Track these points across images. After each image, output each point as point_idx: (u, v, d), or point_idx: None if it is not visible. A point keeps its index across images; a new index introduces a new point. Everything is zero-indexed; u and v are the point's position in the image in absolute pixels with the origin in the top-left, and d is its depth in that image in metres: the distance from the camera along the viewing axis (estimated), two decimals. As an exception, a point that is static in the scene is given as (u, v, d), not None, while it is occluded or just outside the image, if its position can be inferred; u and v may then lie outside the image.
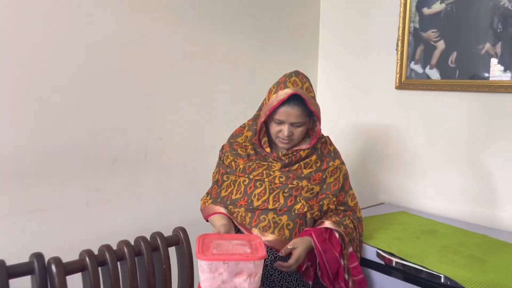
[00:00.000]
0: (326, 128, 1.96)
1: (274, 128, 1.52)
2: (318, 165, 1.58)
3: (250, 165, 1.55)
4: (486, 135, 1.96)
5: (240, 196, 1.53)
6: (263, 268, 1.50)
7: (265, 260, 1.50)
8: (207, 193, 1.66)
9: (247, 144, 1.61)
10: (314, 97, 1.53)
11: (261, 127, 1.54)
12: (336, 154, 1.64)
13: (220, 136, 2.09)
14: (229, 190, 1.57)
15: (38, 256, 1.12)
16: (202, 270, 1.19)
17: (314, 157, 1.58)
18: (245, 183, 1.54)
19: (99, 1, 1.69)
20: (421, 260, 1.54)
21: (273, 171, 1.54)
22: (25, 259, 1.16)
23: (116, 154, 1.80)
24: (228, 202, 1.55)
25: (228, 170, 1.59)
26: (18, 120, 1.54)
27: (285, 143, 1.53)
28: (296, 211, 1.49)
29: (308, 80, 1.54)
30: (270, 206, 1.49)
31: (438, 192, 2.13)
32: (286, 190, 1.51)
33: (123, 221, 1.80)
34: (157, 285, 1.30)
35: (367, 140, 2.40)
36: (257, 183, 1.53)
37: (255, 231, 1.49)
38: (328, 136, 1.69)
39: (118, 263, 1.22)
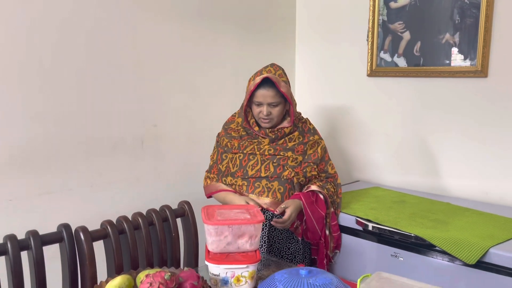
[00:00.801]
0: (303, 110, 2.19)
1: (255, 110, 1.79)
2: (300, 139, 1.85)
3: (243, 143, 1.82)
4: (447, 116, 2.21)
5: (237, 168, 1.80)
6: (262, 228, 1.74)
7: (264, 223, 1.75)
8: (207, 171, 1.91)
9: (239, 128, 1.87)
10: (285, 82, 1.78)
11: (245, 110, 1.80)
12: (315, 131, 1.92)
13: (209, 122, 2.27)
14: (228, 166, 1.83)
15: (66, 226, 1.27)
16: (209, 233, 1.36)
17: (296, 133, 1.85)
18: (240, 157, 1.81)
19: (97, -2, 1.82)
20: (395, 224, 1.77)
21: (263, 145, 1.80)
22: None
23: (115, 141, 1.94)
24: (227, 175, 1.81)
25: (225, 149, 1.85)
26: (29, 113, 1.67)
27: (266, 122, 1.78)
28: (284, 177, 1.77)
29: (282, 69, 1.81)
30: (263, 174, 1.77)
31: (406, 168, 2.37)
32: (275, 160, 1.79)
33: (124, 202, 1.95)
34: (167, 251, 1.47)
35: (342, 123, 2.62)
36: (250, 156, 1.81)
37: (252, 196, 1.76)
38: (307, 118, 1.95)
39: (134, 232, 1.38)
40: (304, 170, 1.81)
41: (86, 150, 1.85)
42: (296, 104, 1.86)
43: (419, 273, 1.67)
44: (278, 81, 1.74)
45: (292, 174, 1.77)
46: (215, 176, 1.86)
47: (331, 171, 1.90)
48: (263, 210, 1.76)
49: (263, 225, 1.75)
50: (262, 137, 1.82)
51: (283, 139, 1.82)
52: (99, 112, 1.88)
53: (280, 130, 1.81)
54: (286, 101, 1.79)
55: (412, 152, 2.35)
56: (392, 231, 1.75)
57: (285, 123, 1.83)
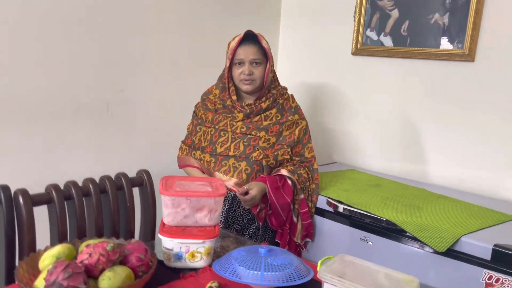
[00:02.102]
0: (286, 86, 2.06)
1: (236, 72, 1.67)
2: (278, 118, 1.73)
3: (217, 117, 1.73)
4: (431, 99, 2.13)
5: (207, 143, 1.72)
6: (223, 209, 1.66)
7: (225, 201, 1.67)
8: (183, 142, 1.84)
9: (216, 100, 1.76)
10: (267, 42, 1.69)
11: (228, 74, 1.69)
12: (296, 110, 1.79)
13: (184, 92, 2.15)
14: (200, 139, 1.75)
15: (4, 187, 1.16)
16: (166, 205, 1.27)
17: (274, 111, 1.74)
18: (211, 132, 1.72)
19: None
20: (366, 206, 1.70)
21: (236, 121, 1.70)
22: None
23: (78, 104, 1.82)
24: (198, 149, 1.74)
25: (199, 121, 1.78)
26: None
27: (247, 84, 1.67)
28: (253, 158, 1.67)
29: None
30: (231, 153, 1.68)
31: (385, 152, 2.30)
32: (245, 140, 1.69)
33: (83, 169, 1.83)
34: (120, 222, 1.37)
35: (323, 102, 2.52)
36: (222, 133, 1.71)
37: (218, 174, 1.66)
38: (292, 95, 1.83)
39: (84, 199, 1.27)
40: (276, 153, 1.70)
41: (46, 111, 1.72)
42: (274, 71, 1.77)
43: (388, 259, 1.60)
44: (260, 36, 1.68)
45: (261, 156, 1.67)
46: (187, 148, 1.79)
47: (308, 155, 1.79)
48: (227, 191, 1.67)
49: (224, 202, 1.67)
50: (238, 111, 1.71)
51: (258, 116, 1.71)
52: (62, 72, 1.75)
53: (256, 104, 1.70)
54: (266, 61, 1.69)
55: (392, 136, 2.27)
56: (363, 213, 1.68)
57: (271, 93, 1.72)
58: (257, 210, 1.68)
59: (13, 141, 1.65)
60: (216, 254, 1.32)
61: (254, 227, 1.73)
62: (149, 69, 2.05)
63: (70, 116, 1.79)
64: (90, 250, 1.00)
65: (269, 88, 1.74)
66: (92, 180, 1.30)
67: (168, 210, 1.27)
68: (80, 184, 1.30)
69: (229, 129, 1.70)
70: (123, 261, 1.06)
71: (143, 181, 1.46)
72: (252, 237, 1.73)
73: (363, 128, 2.37)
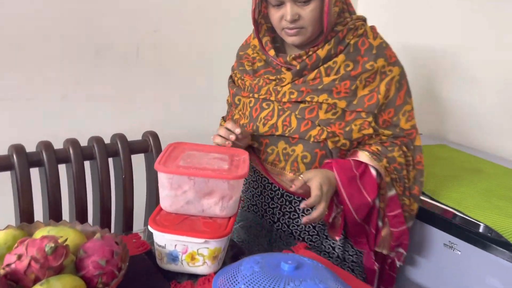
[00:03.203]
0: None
1: (274, 16, 1.08)
2: (348, 68, 1.09)
3: (256, 82, 1.17)
4: None
5: (247, 121, 1.18)
6: (266, 208, 1.21)
7: (269, 200, 1.20)
8: (223, 118, 1.36)
9: (255, 55, 1.22)
10: None
11: (255, 20, 1.13)
12: (381, 51, 1.11)
13: (228, 35, 1.75)
14: (240, 114, 1.23)
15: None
16: (162, 185, 0.92)
17: (341, 57, 1.10)
18: (250, 104, 1.18)
19: None
20: (458, 203, 1.22)
21: (283, 85, 1.13)
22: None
23: (100, 46, 1.51)
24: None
25: (236, 90, 1.23)
26: None
27: (293, 34, 1.07)
28: (312, 139, 1.09)
29: None
30: (278, 132, 1.12)
31: (490, 124, 1.72)
32: (298, 111, 1.11)
33: (99, 124, 1.53)
34: (113, 197, 1.06)
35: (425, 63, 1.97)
36: (264, 104, 1.15)
37: (267, 167, 1.17)
38: (373, 26, 1.15)
39: (64, 166, 0.97)
40: (348, 128, 1.09)
41: (61, 51, 1.43)
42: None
43: (483, 276, 1.13)
44: None
45: (324, 135, 1.08)
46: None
47: (405, 124, 1.14)
48: (277, 189, 1.18)
49: (253, 185, 1.23)
50: (286, 69, 1.14)
51: (315, 71, 1.10)
52: (82, 6, 1.43)
53: (310, 54, 1.09)
54: None
55: (504, 103, 1.68)
56: (452, 212, 1.20)
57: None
58: (331, 218, 1.10)
59: (13, 86, 1.39)
60: (231, 256, 0.96)
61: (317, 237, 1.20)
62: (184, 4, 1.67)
63: (89, 59, 1.49)
64: (22, 250, 0.69)
65: (332, 27, 1.11)
66: (73, 142, 0.98)
67: (165, 192, 0.92)
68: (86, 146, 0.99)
69: (273, 98, 1.13)
70: (77, 267, 0.74)
71: (149, 146, 1.12)
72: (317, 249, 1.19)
73: (462, 88, 1.80)
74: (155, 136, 1.11)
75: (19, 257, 0.68)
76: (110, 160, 1.04)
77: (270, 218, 1.21)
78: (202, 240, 0.86)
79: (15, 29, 1.33)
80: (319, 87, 1.09)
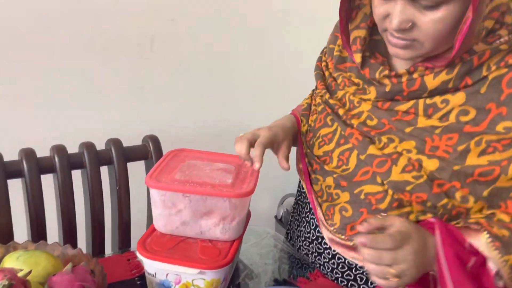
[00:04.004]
0: None
1: (377, 9, 0.69)
2: (466, 118, 0.68)
3: (335, 77, 0.84)
4: None
5: (311, 140, 0.88)
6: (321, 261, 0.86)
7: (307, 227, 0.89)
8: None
9: (338, 53, 0.86)
10: None
11: (342, 10, 0.77)
12: None
13: (260, 21, 1.59)
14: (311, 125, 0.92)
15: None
16: (154, 202, 0.79)
17: (459, 97, 0.69)
18: (318, 108, 0.87)
19: None
20: None
21: (364, 99, 0.78)
22: None
23: (110, 37, 1.40)
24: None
25: (316, 92, 0.92)
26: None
27: (399, 46, 0.69)
28: (363, 196, 0.75)
29: None
30: (330, 167, 0.81)
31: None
32: (365, 147, 0.76)
33: (109, 122, 1.43)
34: (106, 209, 0.93)
35: None
36: (328, 119, 0.83)
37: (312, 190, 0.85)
38: None
39: (52, 176, 0.85)
40: (435, 196, 0.69)
41: (68, 44, 1.33)
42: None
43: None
44: None
45: (386, 201, 0.73)
46: None
47: None
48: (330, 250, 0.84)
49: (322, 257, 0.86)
50: (371, 83, 0.78)
51: (412, 102, 0.72)
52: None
53: (413, 76, 0.71)
54: None
55: None
56: None
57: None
58: None
59: (19, 85, 1.30)
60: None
61: None
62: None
63: (97, 54, 1.39)
64: (-29, 286, 0.58)
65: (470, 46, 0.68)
66: (58, 149, 0.86)
67: (157, 210, 0.79)
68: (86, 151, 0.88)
69: (342, 112, 0.80)
70: (41, 304, 0.62)
71: (148, 152, 0.99)
72: None
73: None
74: (155, 140, 0.98)
75: (-32, 295, 0.57)
76: (105, 168, 0.92)
77: (298, 245, 0.94)
78: (197, 271, 0.73)
79: (15, 21, 1.24)
80: (405, 129, 0.72)
